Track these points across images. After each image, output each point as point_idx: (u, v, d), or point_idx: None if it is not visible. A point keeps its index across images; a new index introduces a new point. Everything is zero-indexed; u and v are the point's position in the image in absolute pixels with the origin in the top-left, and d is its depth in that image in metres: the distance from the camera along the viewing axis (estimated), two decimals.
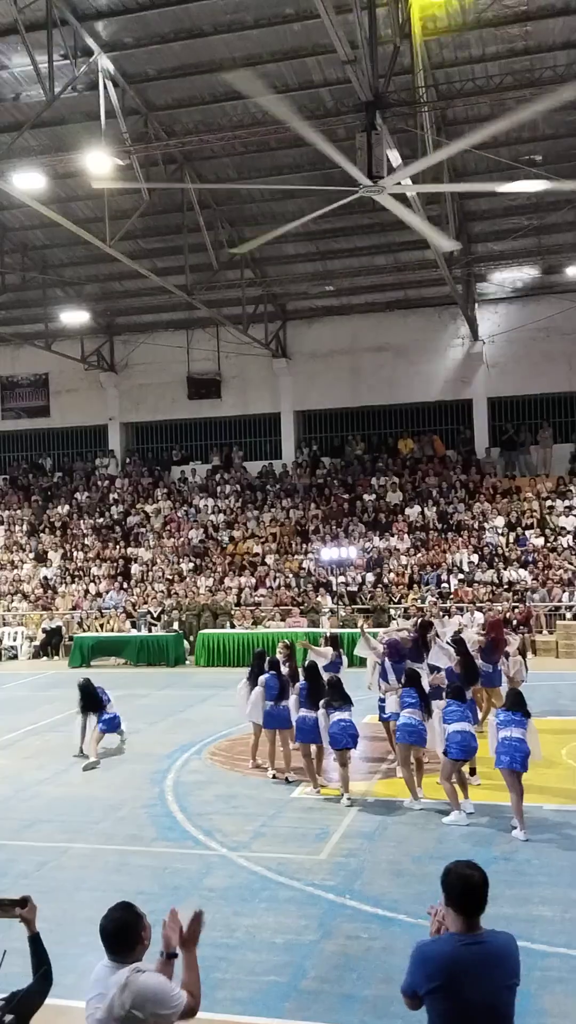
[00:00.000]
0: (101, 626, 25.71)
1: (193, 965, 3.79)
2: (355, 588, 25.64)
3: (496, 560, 25.57)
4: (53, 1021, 4.91)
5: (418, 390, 30.17)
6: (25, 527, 31.55)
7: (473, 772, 10.85)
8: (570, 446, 29.38)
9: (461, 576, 25.12)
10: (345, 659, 13.23)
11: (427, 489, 28.94)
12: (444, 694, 10.31)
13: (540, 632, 23.02)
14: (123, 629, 25.13)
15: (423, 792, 10.44)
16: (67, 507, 32.03)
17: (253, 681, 12.05)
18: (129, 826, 10.01)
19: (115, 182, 18.46)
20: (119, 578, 28.02)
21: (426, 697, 10.53)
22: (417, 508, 28.23)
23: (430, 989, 3.65)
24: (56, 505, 32.30)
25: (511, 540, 26.29)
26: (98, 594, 27.54)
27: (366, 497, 29.19)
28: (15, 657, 25.29)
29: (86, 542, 30.19)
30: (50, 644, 25.20)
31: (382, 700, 12.02)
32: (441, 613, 20.09)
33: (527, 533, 26.33)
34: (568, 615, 23.45)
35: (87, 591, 27.78)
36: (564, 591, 23.98)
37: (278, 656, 12.52)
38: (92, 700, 13.13)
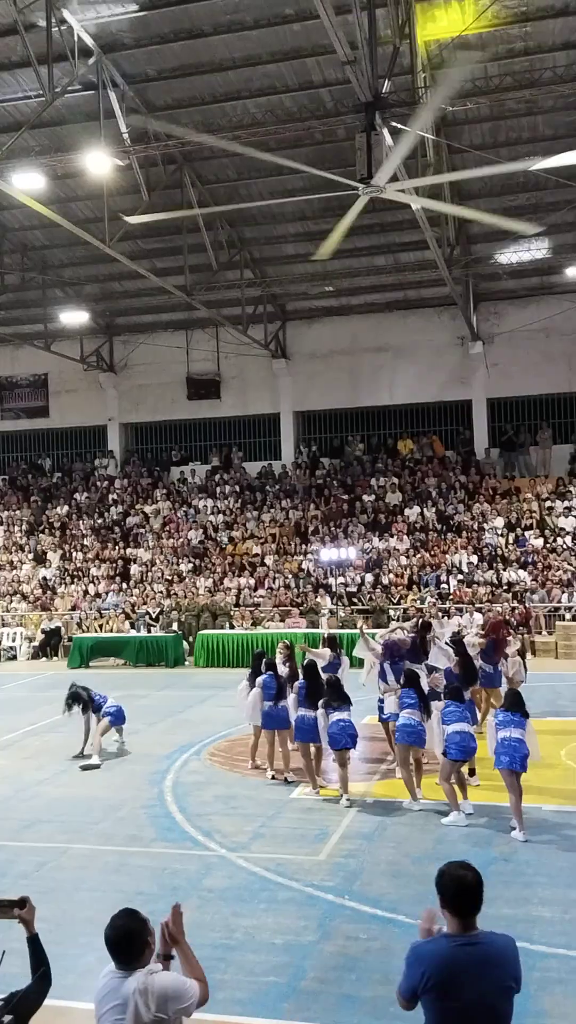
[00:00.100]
0: (100, 627, 25.69)
1: (189, 956, 3.84)
2: (354, 589, 25.62)
3: (495, 561, 25.56)
4: (52, 1021, 4.92)
5: (418, 391, 30.15)
6: (24, 527, 31.55)
7: (472, 773, 10.84)
8: (570, 447, 29.37)
9: (460, 577, 25.10)
10: (347, 660, 13.22)
11: (426, 490, 28.92)
12: (442, 695, 10.31)
13: (539, 633, 23.03)
14: (122, 630, 25.11)
15: (422, 793, 10.44)
16: (66, 508, 32.02)
17: (253, 682, 12.05)
18: (128, 827, 10.00)
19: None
20: (118, 579, 28.01)
21: (425, 698, 10.53)
22: (416, 509, 28.21)
23: (425, 989, 3.65)
24: (55, 505, 32.28)
25: (510, 541, 26.28)
26: (97, 595, 27.53)
27: (365, 498, 29.17)
28: (14, 658, 25.28)
29: (85, 543, 30.18)
30: (49, 645, 25.20)
31: (381, 700, 12.02)
32: (440, 614, 20.08)
33: (526, 534, 26.32)
34: (567, 616, 23.45)
35: (86, 592, 27.76)
36: (563, 592, 23.97)
37: (278, 656, 12.55)
38: (89, 702, 13.08)
